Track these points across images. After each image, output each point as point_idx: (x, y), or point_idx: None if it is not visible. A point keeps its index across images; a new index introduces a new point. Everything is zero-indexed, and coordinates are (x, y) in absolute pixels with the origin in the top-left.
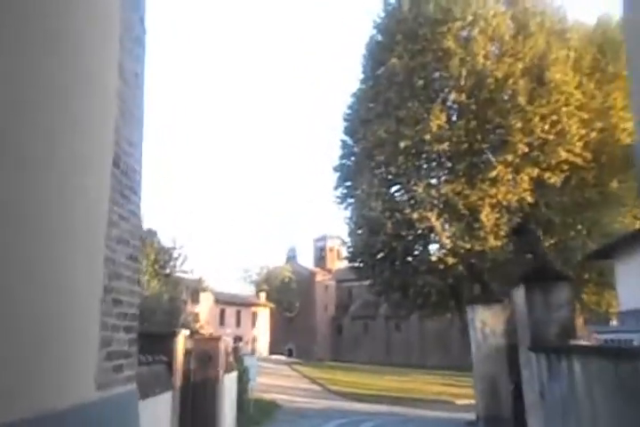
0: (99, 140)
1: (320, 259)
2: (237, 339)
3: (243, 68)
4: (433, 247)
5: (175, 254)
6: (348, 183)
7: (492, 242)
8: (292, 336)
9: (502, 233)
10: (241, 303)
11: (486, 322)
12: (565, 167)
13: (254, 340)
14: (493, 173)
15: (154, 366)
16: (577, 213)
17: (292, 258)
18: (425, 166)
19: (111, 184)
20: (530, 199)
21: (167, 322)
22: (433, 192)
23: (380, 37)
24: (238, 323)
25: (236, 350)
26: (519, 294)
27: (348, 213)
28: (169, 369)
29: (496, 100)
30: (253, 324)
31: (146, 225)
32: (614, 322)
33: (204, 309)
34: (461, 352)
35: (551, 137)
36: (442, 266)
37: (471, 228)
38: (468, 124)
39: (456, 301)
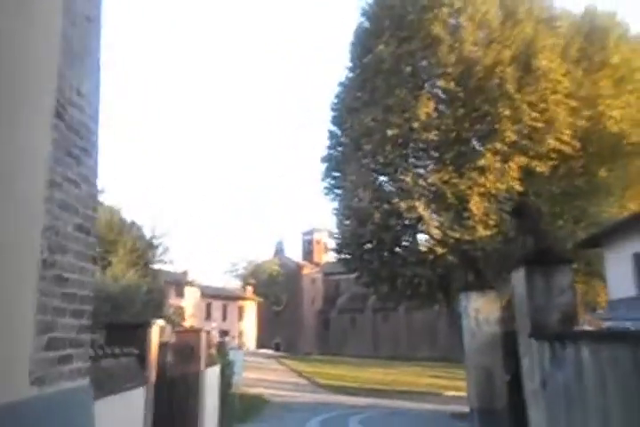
0: (35, 84)
1: (308, 252)
2: (224, 333)
3: (231, 58)
4: (422, 237)
5: (155, 243)
6: (336, 174)
7: (482, 231)
8: (280, 330)
9: (492, 222)
10: (228, 297)
11: (480, 309)
12: (554, 156)
13: (241, 334)
14: (482, 162)
15: (123, 358)
16: (565, 203)
17: (279, 251)
18: (413, 155)
19: (53, 138)
20: (519, 188)
21: (146, 314)
22: (421, 181)
23: (367, 24)
24: (225, 317)
25: (222, 344)
26: (519, 277)
27: (335, 204)
28: (141, 362)
29: (484, 88)
30: (240, 318)
31: (128, 217)
32: (600, 311)
33: (190, 302)
34: (449, 344)
35: (539, 125)
36: (431, 256)
37: (460, 217)
38: (456, 112)
39: (445, 291)
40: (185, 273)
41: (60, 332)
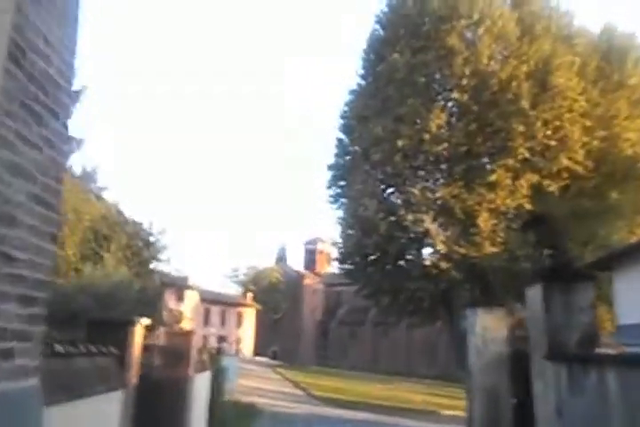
0: None
1: (310, 262)
2: (222, 339)
3: (237, 65)
4: (426, 252)
5: (151, 240)
6: (342, 182)
7: (488, 248)
8: (278, 339)
9: (499, 239)
10: (227, 303)
11: (488, 327)
12: (565, 175)
13: (239, 341)
14: (492, 178)
15: (99, 358)
16: (574, 224)
17: (281, 259)
18: (422, 168)
19: (4, 85)
20: (528, 206)
21: (136, 313)
22: (429, 194)
23: (381, 32)
24: (223, 323)
25: (219, 350)
26: (534, 294)
27: (340, 213)
28: (121, 364)
29: (498, 103)
30: (239, 324)
31: (127, 213)
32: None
33: (188, 306)
34: (448, 363)
35: (553, 143)
36: (435, 271)
37: (467, 233)
38: (468, 125)
39: (447, 308)
40: (185, 278)
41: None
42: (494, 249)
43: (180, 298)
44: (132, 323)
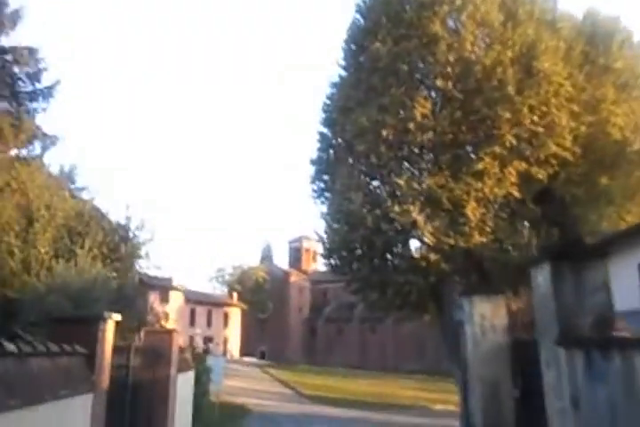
0: None
1: (295, 260)
2: (208, 339)
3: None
4: (414, 244)
5: (129, 235)
6: (326, 177)
7: (478, 238)
8: (265, 338)
9: (488, 229)
10: (213, 303)
11: (486, 315)
12: (554, 162)
13: (226, 341)
14: (479, 166)
15: (62, 358)
16: (565, 211)
17: (266, 258)
18: (407, 158)
19: None
20: (517, 194)
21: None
22: (415, 185)
23: (362, 22)
24: (209, 323)
25: (206, 351)
26: (542, 275)
27: (324, 208)
28: (90, 364)
29: (483, 90)
30: (225, 324)
31: (103, 208)
32: None
33: (173, 307)
34: (437, 357)
35: (540, 129)
36: (423, 263)
37: (456, 223)
38: (453, 113)
39: (436, 300)
40: (170, 279)
41: None
42: (484, 239)
43: (165, 299)
44: (101, 319)
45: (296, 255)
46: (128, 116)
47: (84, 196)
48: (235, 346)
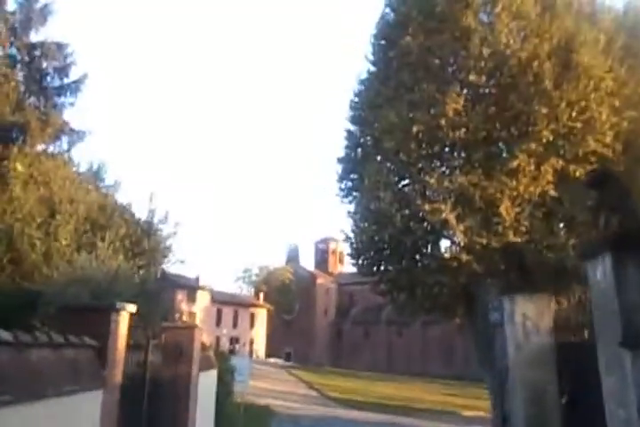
0: None
1: (321, 261)
2: (234, 340)
3: (239, 59)
4: (445, 244)
5: (153, 229)
6: (354, 175)
7: (512, 237)
8: (291, 339)
9: (523, 228)
10: (239, 303)
11: (529, 316)
12: (592, 159)
13: (252, 342)
14: (514, 164)
15: (69, 350)
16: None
17: (293, 258)
18: (438, 155)
19: None
20: (553, 193)
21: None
22: (446, 183)
23: (392, 15)
24: (235, 324)
25: (232, 351)
26: (601, 268)
27: (351, 207)
28: (101, 358)
29: (518, 84)
30: (252, 325)
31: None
32: None
33: (200, 307)
34: (466, 362)
35: (579, 125)
36: (454, 264)
37: (489, 222)
38: (486, 109)
39: (468, 302)
40: (197, 279)
41: None
42: (518, 239)
43: (192, 299)
44: (114, 309)
45: (322, 256)
46: (160, 113)
47: (110, 191)
48: (260, 347)
